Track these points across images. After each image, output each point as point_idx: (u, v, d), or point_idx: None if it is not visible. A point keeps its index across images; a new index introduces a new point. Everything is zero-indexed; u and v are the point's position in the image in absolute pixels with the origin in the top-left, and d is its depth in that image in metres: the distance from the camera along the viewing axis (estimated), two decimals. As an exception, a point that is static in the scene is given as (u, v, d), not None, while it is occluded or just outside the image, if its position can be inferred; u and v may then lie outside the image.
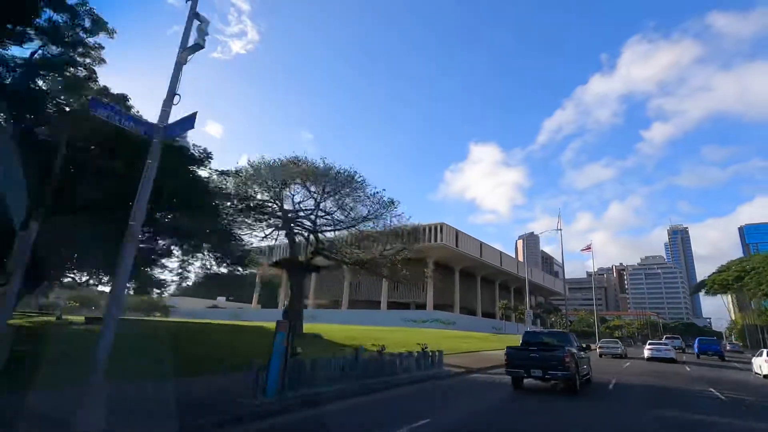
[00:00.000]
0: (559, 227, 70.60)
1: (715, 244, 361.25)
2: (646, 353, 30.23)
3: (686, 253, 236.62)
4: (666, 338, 47.46)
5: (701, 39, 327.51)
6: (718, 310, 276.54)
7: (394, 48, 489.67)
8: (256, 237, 27.09)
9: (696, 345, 39.21)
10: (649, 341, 37.16)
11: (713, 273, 68.81)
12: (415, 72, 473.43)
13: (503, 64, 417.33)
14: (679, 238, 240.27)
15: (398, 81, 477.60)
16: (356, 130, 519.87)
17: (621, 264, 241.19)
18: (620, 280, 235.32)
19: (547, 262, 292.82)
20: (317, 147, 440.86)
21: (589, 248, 68.26)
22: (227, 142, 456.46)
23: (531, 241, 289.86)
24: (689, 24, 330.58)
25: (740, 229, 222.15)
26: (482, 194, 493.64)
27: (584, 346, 15.41)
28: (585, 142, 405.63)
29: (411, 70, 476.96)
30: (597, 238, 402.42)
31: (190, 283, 24.86)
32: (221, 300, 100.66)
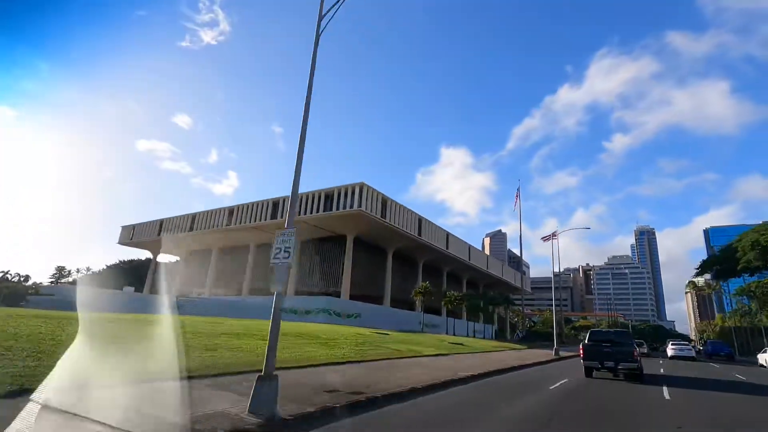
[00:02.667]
0: (516, 198, 56.83)
1: (669, 252, 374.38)
2: (670, 352, 33.26)
3: (653, 254, 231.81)
4: (673, 341, 43.72)
5: (659, 56, 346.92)
6: (679, 314, 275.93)
7: (367, 49, 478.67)
8: None
9: (709, 347, 41.32)
10: (671, 342, 38.35)
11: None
12: (387, 73, 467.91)
13: (474, 72, 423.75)
14: (646, 239, 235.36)
15: (371, 81, 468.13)
16: (327, 129, 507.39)
17: (588, 264, 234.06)
18: (586, 281, 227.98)
19: (515, 261, 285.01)
20: (287, 142, 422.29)
21: (555, 236, 57.63)
22: (197, 134, 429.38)
23: (498, 239, 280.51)
24: (649, 41, 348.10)
25: (705, 231, 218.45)
26: (452, 197, 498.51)
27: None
28: (552, 150, 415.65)
29: (383, 71, 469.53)
30: (562, 243, 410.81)
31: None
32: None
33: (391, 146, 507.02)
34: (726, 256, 64.62)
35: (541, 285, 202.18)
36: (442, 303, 55.99)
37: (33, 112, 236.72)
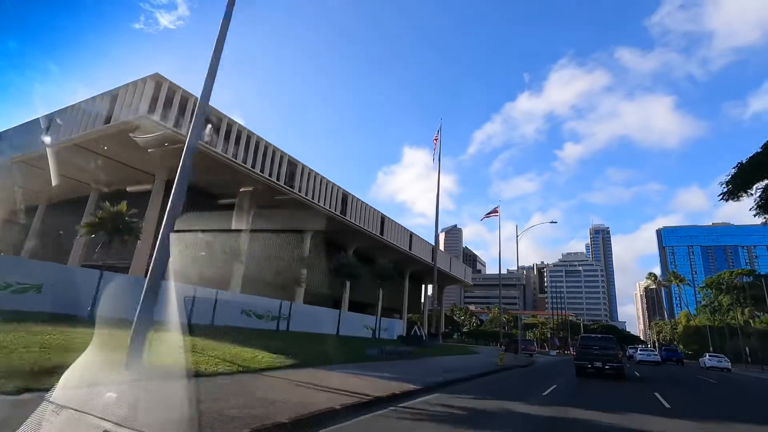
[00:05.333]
0: (437, 145, 42.53)
1: (619, 257, 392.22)
2: (638, 357, 37.74)
3: (606, 253, 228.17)
4: (641, 347, 49.98)
5: (610, 69, 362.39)
6: (628, 317, 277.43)
7: (332, 43, 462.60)
8: None
9: (663, 353, 43.70)
10: (639, 348, 45.72)
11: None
12: (352, 68, 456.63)
13: (438, 74, 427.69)
14: (601, 238, 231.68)
15: (332, 76, 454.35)
16: (289, 127, 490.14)
17: (542, 262, 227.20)
18: (540, 280, 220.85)
19: (470, 258, 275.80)
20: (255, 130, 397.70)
21: (496, 212, 48.00)
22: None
23: (454, 234, 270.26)
24: (600, 55, 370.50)
25: (658, 231, 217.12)
26: (413, 197, 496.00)
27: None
28: (512, 156, 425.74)
29: (347, 66, 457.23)
30: (519, 246, 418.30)
31: None
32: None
33: (354, 142, 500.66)
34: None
35: (494, 282, 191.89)
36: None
37: None
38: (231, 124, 30.28)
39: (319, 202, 39.32)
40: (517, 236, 47.01)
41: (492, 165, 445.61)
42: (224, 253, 29.25)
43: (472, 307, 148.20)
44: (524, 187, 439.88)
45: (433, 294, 54.22)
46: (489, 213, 65.71)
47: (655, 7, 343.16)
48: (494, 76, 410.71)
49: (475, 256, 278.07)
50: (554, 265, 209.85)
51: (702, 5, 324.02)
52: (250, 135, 31.81)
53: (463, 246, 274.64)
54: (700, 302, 75.75)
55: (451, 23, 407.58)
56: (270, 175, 33.51)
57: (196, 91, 18.62)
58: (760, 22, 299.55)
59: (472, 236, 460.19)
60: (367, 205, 46.87)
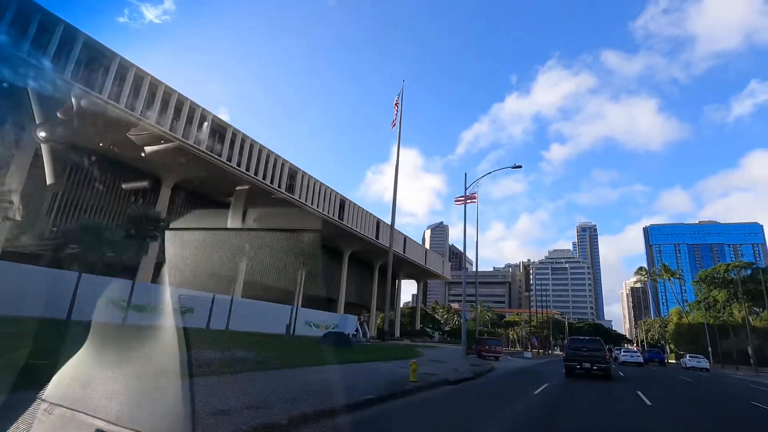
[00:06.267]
0: (398, 110, 36.86)
1: (605, 258, 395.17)
2: (622, 358, 38.33)
3: (593, 251, 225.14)
4: (625, 349, 49.18)
5: (595, 72, 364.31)
6: (614, 316, 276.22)
7: (324, 42, 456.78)
8: None
9: (647, 354, 45.58)
10: (624, 349, 46.41)
11: None
12: (340, 67, 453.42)
13: (426, 73, 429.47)
14: (588, 236, 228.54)
15: (319, 74, 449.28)
16: (276, 130, 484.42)
17: (529, 260, 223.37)
18: (526, 278, 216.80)
19: (457, 257, 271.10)
20: (240, 127, 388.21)
21: (473, 199, 43.04)
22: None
23: (440, 231, 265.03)
24: (586, 57, 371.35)
25: (645, 229, 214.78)
26: (402, 197, 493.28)
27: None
28: (500, 156, 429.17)
29: (335, 64, 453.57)
30: (507, 246, 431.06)
31: None
32: None
33: (343, 140, 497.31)
34: None
35: (479, 280, 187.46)
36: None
37: None
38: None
39: (251, 173, 33.39)
40: (466, 188, 41.37)
41: (480, 165, 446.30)
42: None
43: (455, 305, 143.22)
44: (512, 187, 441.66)
45: (392, 287, 48.49)
46: (464, 196, 60.16)
47: (640, 11, 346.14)
48: (483, 76, 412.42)
49: (461, 254, 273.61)
50: (540, 262, 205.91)
51: (685, 10, 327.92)
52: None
53: (450, 244, 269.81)
54: (686, 300, 71.47)
55: (440, 23, 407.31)
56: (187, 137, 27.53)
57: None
58: (740, 27, 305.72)
59: (461, 235, 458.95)
60: (320, 182, 41.03)
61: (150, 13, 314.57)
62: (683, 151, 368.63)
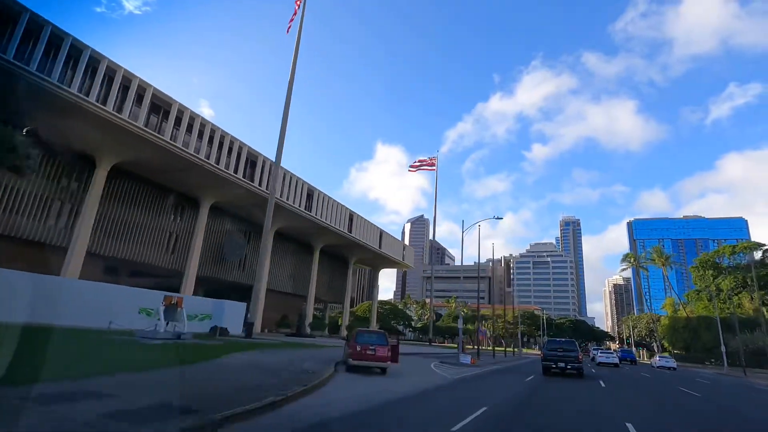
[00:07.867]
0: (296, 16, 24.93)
1: (587, 257, 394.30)
2: (598, 359, 40.02)
3: (576, 246, 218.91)
4: (601, 350, 49.60)
5: (576, 73, 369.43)
6: (596, 314, 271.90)
7: (310, 34, 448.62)
8: None
9: (621, 354, 47.91)
10: (600, 350, 47.11)
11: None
12: (325, 63, 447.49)
13: (413, 71, 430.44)
14: (571, 230, 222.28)
15: (304, 71, 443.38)
16: (260, 126, 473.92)
17: (510, 255, 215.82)
18: (507, 273, 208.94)
19: (439, 253, 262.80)
20: (218, 122, 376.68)
21: (432, 165, 44.18)
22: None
23: (419, 225, 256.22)
24: (567, 58, 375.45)
25: (629, 224, 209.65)
26: (386, 195, 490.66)
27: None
28: (483, 155, 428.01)
29: (321, 61, 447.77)
30: (491, 244, 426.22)
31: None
32: None
33: (326, 137, 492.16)
34: None
35: (456, 276, 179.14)
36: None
37: None
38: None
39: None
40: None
41: (464, 164, 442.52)
42: None
43: (428, 300, 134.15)
44: (495, 186, 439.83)
45: (260, 259, 38.77)
46: (420, 161, 50.77)
47: (619, 14, 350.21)
48: (466, 77, 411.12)
49: (444, 249, 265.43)
50: (521, 255, 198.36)
51: (663, 14, 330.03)
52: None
53: (431, 239, 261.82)
54: (671, 298, 63.82)
55: (427, 24, 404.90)
56: None
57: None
58: (716, 31, 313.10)
59: (446, 234, 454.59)
60: (237, 139, 31.21)
61: (129, 4, 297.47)
62: (661, 152, 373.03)
